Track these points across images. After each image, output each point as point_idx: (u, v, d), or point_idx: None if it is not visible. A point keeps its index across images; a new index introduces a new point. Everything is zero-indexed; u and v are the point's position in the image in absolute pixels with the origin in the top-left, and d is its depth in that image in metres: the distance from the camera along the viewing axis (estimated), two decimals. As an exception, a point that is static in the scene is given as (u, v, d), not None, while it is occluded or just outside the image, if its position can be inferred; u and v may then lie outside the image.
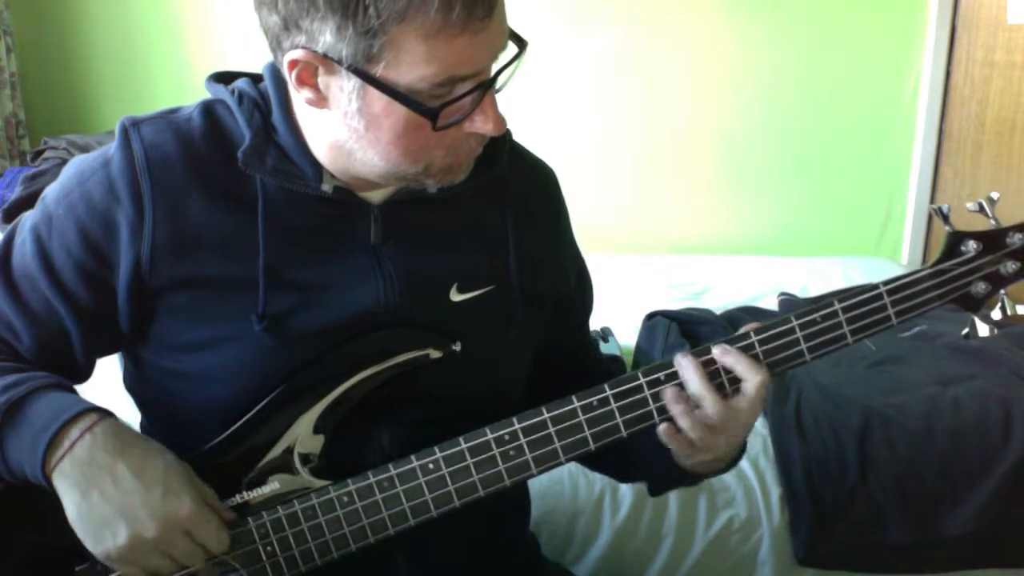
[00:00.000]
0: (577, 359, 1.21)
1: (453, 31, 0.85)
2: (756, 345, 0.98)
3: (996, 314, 1.01)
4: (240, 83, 1.03)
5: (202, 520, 0.91)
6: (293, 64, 0.90)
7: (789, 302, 2.45)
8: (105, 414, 0.93)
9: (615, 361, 1.24)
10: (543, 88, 3.11)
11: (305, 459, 0.99)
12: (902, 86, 3.14)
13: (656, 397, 0.98)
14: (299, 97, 0.95)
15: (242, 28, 3.01)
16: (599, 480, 1.67)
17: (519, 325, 1.08)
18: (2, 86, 3.10)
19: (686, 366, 0.98)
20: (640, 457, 1.08)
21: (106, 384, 1.81)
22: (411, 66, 0.87)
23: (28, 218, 1.01)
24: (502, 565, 1.16)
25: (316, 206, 1.00)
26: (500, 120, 0.93)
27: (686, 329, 2.15)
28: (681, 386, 0.98)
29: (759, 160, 3.23)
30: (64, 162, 2.63)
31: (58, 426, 0.90)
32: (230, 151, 0.98)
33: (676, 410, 0.98)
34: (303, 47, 0.89)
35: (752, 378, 0.97)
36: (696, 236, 3.27)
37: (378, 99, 0.89)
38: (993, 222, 1.01)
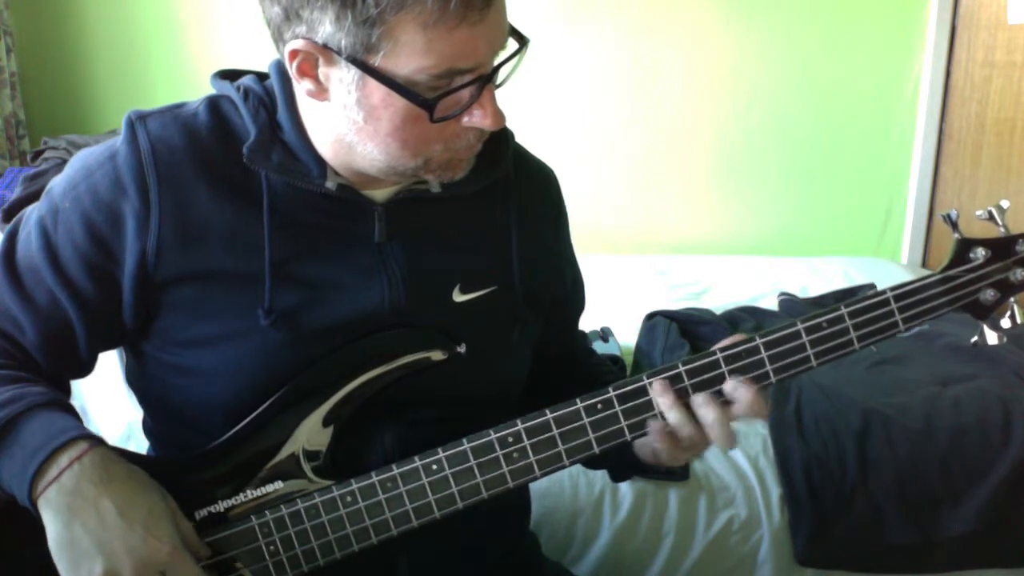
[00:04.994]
0: (570, 355, 1.22)
1: (451, 22, 0.85)
2: (761, 348, 0.97)
3: (1005, 322, 1.00)
4: (245, 80, 1.03)
5: (179, 564, 0.90)
6: (294, 54, 0.90)
7: (789, 302, 2.45)
8: (96, 442, 0.92)
9: (615, 361, 1.25)
10: (543, 88, 3.11)
11: (311, 456, 0.99)
12: (902, 86, 3.14)
13: (660, 400, 0.98)
14: (301, 90, 0.95)
15: (242, 28, 3.03)
16: (599, 480, 1.67)
17: (521, 326, 1.09)
18: (2, 86, 3.10)
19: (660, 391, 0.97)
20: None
21: (106, 379, 1.81)
22: (409, 57, 0.87)
23: (33, 211, 1.01)
24: (502, 565, 1.16)
25: (320, 203, 1.00)
26: (499, 115, 0.93)
27: (686, 329, 2.15)
28: (679, 392, 0.97)
29: (759, 160, 3.23)
30: (64, 162, 2.63)
31: (47, 453, 0.89)
32: (236, 146, 0.98)
33: (671, 413, 0.97)
34: (303, 37, 0.89)
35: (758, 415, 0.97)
36: (696, 236, 3.27)
37: (376, 90, 0.89)
38: (1002, 229, 1.00)
